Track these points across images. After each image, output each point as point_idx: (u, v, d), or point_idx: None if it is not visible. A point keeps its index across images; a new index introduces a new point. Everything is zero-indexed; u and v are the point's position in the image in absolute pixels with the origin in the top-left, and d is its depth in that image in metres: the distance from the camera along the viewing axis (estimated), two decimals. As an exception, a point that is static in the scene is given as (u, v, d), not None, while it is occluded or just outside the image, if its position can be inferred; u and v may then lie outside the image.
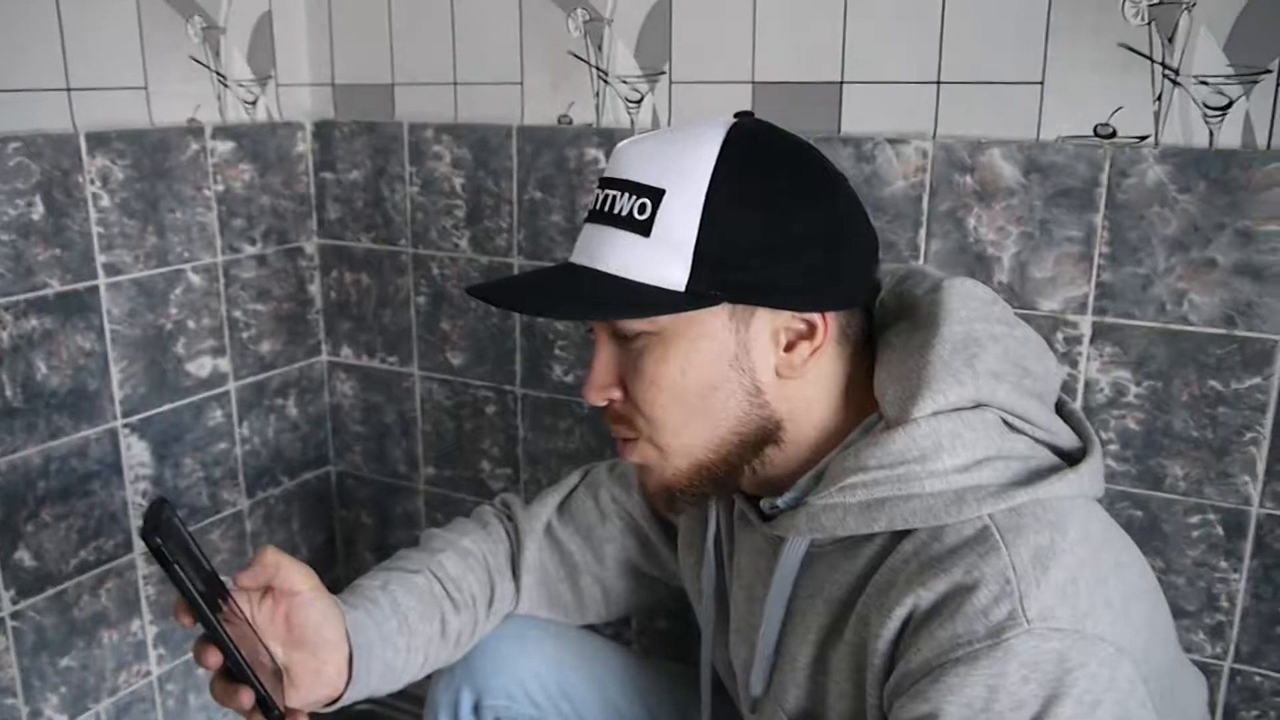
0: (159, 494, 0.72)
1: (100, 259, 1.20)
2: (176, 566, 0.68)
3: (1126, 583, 0.66)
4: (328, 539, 1.64)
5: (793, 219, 0.70)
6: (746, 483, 0.79)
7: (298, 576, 0.79)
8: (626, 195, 0.71)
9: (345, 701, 0.83)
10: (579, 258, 0.74)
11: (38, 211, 1.13)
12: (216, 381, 1.39)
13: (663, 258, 0.69)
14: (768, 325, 0.71)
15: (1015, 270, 1.03)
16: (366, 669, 0.83)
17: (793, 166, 0.72)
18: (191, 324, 1.33)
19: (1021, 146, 1.01)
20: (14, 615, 1.17)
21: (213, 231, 1.34)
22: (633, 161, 0.72)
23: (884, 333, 0.77)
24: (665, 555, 1.00)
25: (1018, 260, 1.03)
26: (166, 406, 1.32)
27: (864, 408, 0.74)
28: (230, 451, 1.43)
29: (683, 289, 0.69)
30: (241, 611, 0.76)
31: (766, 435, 0.74)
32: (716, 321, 0.71)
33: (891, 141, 1.07)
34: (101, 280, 1.21)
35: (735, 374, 0.72)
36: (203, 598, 0.69)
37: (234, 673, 0.71)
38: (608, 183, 0.74)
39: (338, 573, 1.66)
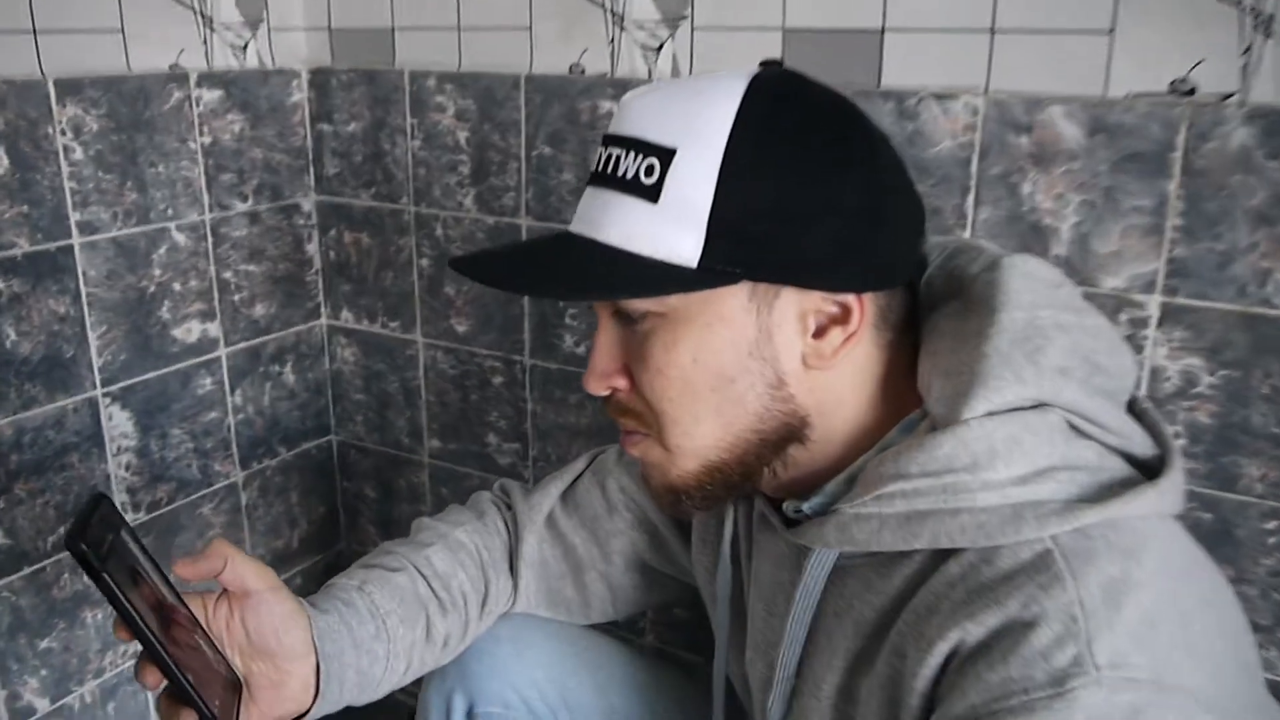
0: (96, 490, 0.64)
1: (74, 216, 1.11)
2: (107, 577, 0.60)
3: (1213, 622, 0.57)
4: (329, 511, 1.56)
5: (824, 184, 0.60)
6: (767, 484, 0.69)
7: (251, 574, 0.71)
8: (632, 155, 0.62)
9: (314, 716, 0.75)
10: (578, 226, 0.65)
11: (1, 165, 1.04)
12: (206, 347, 1.30)
13: (672, 228, 0.60)
14: (794, 307, 0.62)
15: (1075, 243, 0.92)
16: (338, 681, 0.75)
17: (825, 124, 0.62)
18: (177, 286, 1.25)
19: (1086, 104, 0.89)
20: (-14, 596, 1.10)
21: (199, 187, 1.25)
22: (640, 116, 0.62)
23: (931, 316, 0.67)
24: (678, 551, 0.91)
25: (1078, 232, 0.92)
26: (151, 374, 1.23)
27: (904, 403, 0.65)
28: (222, 421, 1.35)
29: (694, 264, 0.60)
30: (193, 617, 0.68)
31: (790, 433, 0.65)
32: (734, 302, 0.61)
33: (938, 97, 0.96)
34: (76, 239, 1.12)
35: (755, 363, 0.63)
36: (143, 608, 0.61)
37: (177, 693, 0.63)
38: (611, 140, 0.64)
39: (341, 547, 1.59)
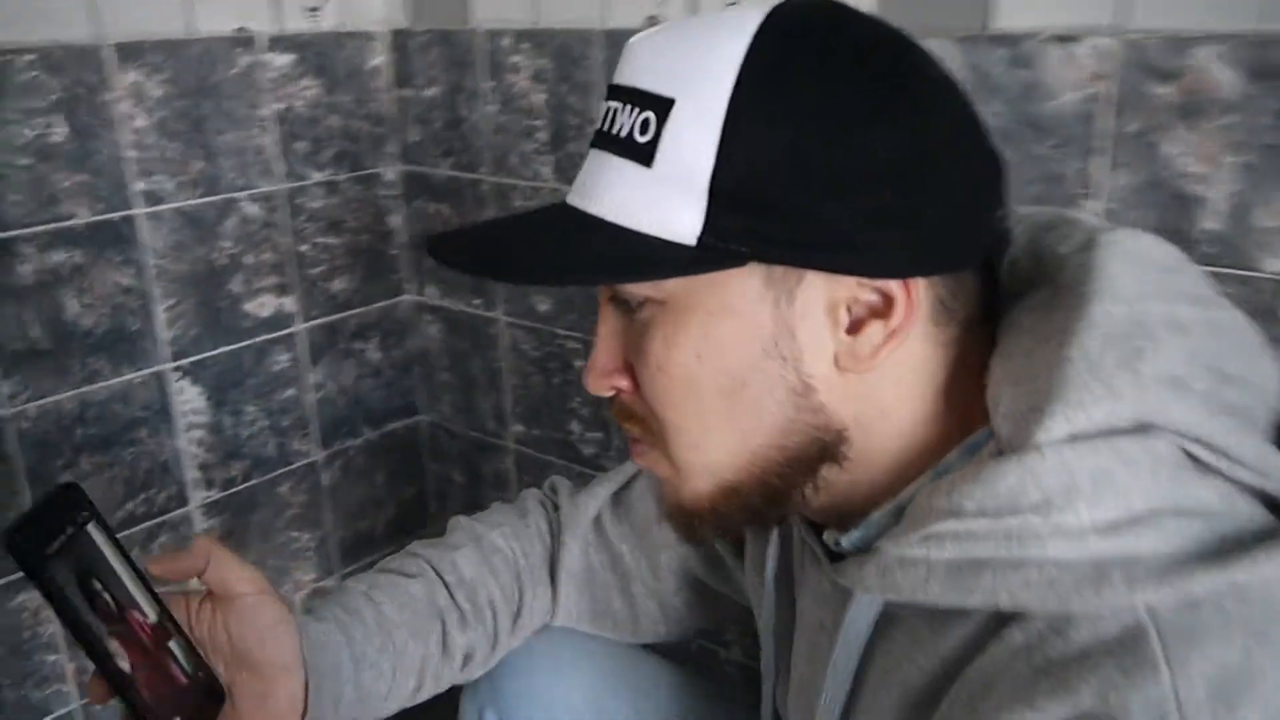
0: (68, 478, 0.59)
1: (136, 186, 1.09)
2: (48, 578, 0.54)
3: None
4: (418, 495, 1.52)
5: (858, 139, 0.47)
6: (805, 507, 0.57)
7: (235, 577, 0.64)
8: (628, 109, 0.51)
9: None
10: (573, 196, 0.54)
11: (59, 133, 1.01)
12: (281, 322, 1.26)
13: (669, 197, 0.48)
14: (821, 296, 0.49)
15: (1230, 215, 0.75)
16: (332, 697, 0.68)
17: (860, 63, 0.49)
18: (250, 259, 1.21)
19: (1247, 42, 0.71)
20: (52, 569, 1.09)
21: (272, 156, 1.20)
22: (640, 60, 0.51)
23: (1012, 308, 0.53)
24: (733, 568, 0.79)
25: (1234, 201, 0.74)
26: (222, 349, 1.20)
27: (973, 417, 0.51)
28: (300, 399, 1.31)
29: (693, 241, 0.48)
30: (173, 621, 0.62)
31: (822, 450, 0.53)
32: (745, 289, 0.50)
33: (1060, 39, 0.79)
34: (139, 210, 1.09)
35: (773, 364, 0.51)
36: (91, 614, 0.55)
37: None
38: (612, 91, 0.53)
39: (428, 531, 1.55)
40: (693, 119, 0.48)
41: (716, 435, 0.53)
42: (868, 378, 0.51)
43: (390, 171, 1.34)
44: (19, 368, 1.03)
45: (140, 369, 1.13)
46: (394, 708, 0.74)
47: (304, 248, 1.27)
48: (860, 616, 0.55)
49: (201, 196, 1.14)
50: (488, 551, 0.80)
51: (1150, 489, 0.45)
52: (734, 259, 0.48)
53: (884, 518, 0.53)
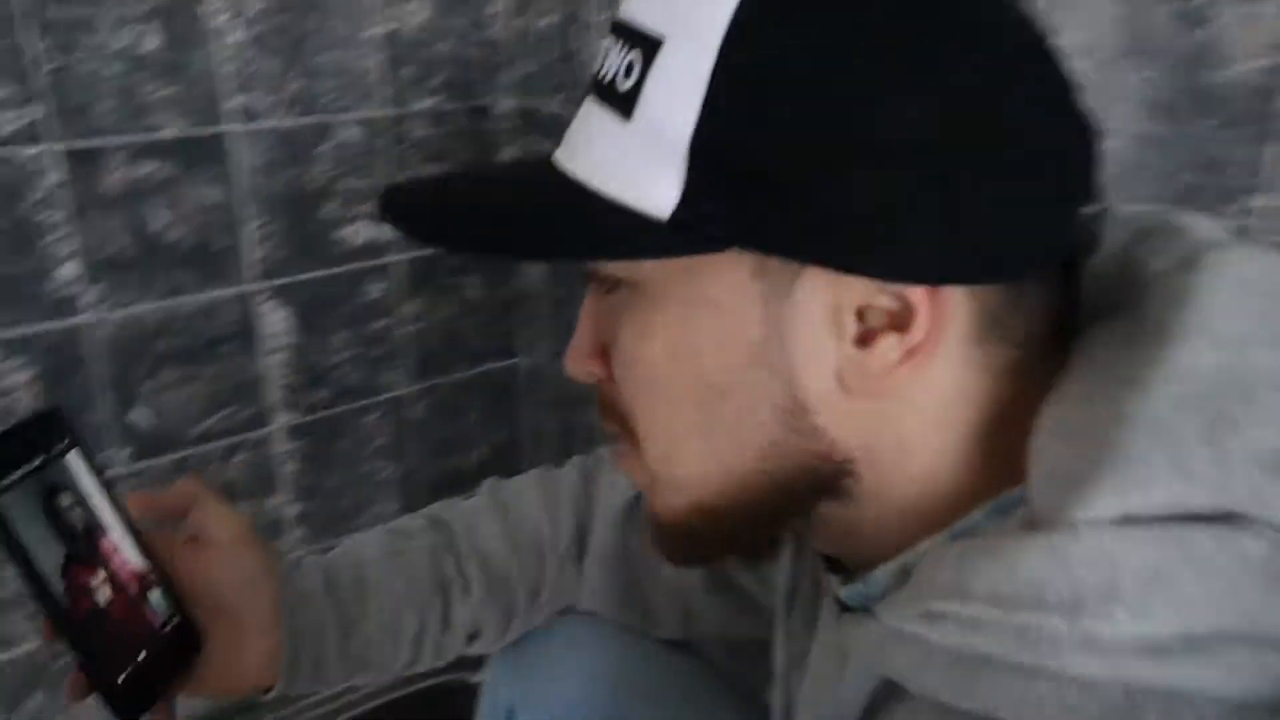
0: (50, 404, 0.57)
1: (230, 102, 1.06)
2: None
3: None
4: (511, 439, 1.48)
5: (884, 99, 0.37)
6: (812, 538, 0.48)
7: (215, 523, 0.61)
8: (620, 47, 0.42)
9: (282, 693, 0.64)
10: (560, 149, 0.46)
11: (153, 42, 0.99)
12: (376, 251, 1.23)
13: (645, 158, 0.39)
14: (823, 296, 0.39)
15: None
16: (311, 661, 0.64)
17: None
18: (346, 184, 1.18)
19: None
20: (133, 474, 1.11)
21: (375, 80, 1.16)
22: None
23: (1088, 332, 0.42)
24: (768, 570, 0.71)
25: None
26: (313, 274, 1.18)
27: (1016, 466, 0.40)
28: (392, 330, 1.28)
29: (666, 215, 0.39)
30: (150, 562, 0.59)
31: (818, 482, 0.43)
32: (729, 279, 0.40)
33: (1239, -9, 0.64)
34: (230, 126, 1.07)
35: (759, 375, 0.41)
36: (43, 549, 0.53)
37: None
38: (612, 27, 0.44)
39: (518, 474, 1.51)
40: (678, 64, 0.38)
41: (689, 449, 0.44)
42: (882, 403, 0.41)
43: (502, 104, 1.28)
44: (104, 276, 1.03)
45: (226, 287, 1.12)
46: (389, 675, 0.69)
47: (405, 177, 1.23)
48: (858, 683, 0.46)
49: (298, 117, 1.11)
50: (513, 522, 0.73)
51: (1224, 602, 0.33)
52: (711, 243, 0.39)
53: (888, 576, 0.43)
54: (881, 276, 0.38)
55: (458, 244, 0.44)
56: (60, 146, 0.97)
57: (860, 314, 0.39)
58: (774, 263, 0.39)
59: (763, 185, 0.37)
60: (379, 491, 1.34)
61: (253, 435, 1.19)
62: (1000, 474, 0.41)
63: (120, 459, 1.09)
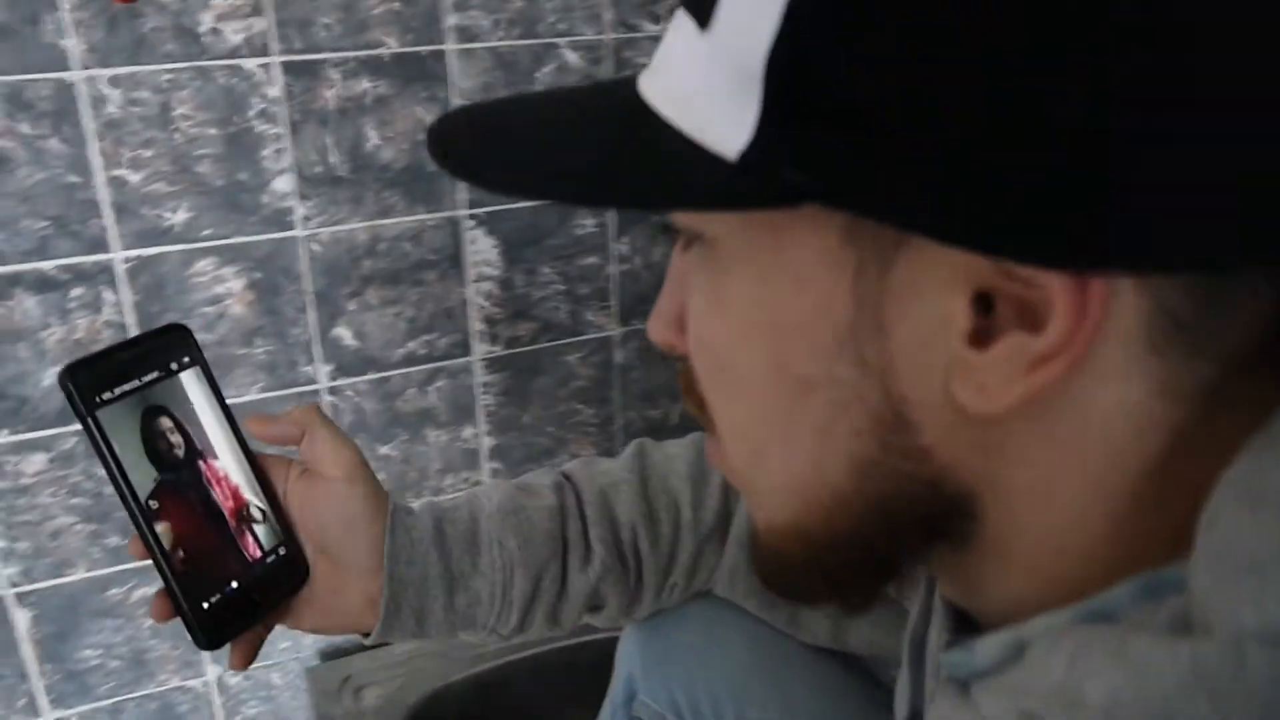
0: (175, 321, 0.55)
1: (450, 20, 1.03)
2: (91, 422, 0.51)
3: None
4: (719, 391, 1.40)
5: (1023, 9, 0.25)
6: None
7: (328, 457, 0.58)
8: None
9: (378, 641, 0.61)
10: (645, 71, 0.37)
11: (376, -46, 0.97)
12: (590, 185, 1.18)
13: (721, 78, 0.30)
14: (932, 274, 0.29)
15: None
16: (414, 610, 0.60)
17: None
18: (563, 112, 1.12)
19: None
20: (331, 390, 1.13)
21: (601, 2, 1.09)
22: None
23: None
24: None
25: None
26: (523, 204, 1.14)
27: (1189, 528, 0.28)
28: (602, 269, 1.23)
29: (734, 155, 0.29)
30: (265, 488, 0.58)
31: (930, 521, 0.33)
32: (814, 242, 0.31)
33: None
34: (449, 45, 1.04)
35: (851, 370, 0.32)
36: (139, 467, 0.52)
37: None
38: None
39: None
40: None
41: (772, 454, 0.36)
42: (1010, 427, 0.30)
43: (739, 32, 1.18)
44: (316, 191, 1.03)
45: (434, 211, 1.10)
46: (499, 637, 0.64)
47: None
48: None
49: (517, 38, 1.07)
50: (652, 493, 0.66)
51: None
52: (785, 193, 0.29)
53: (996, 649, 0.32)
54: (1006, 253, 0.27)
55: (491, 183, 0.36)
56: (281, 60, 0.97)
57: (980, 302, 0.28)
58: (868, 225, 0.29)
59: (853, 122, 0.27)
60: (576, 434, 1.30)
61: (452, 363, 1.18)
62: (1169, 538, 0.29)
63: (321, 375, 1.11)
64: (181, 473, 0.54)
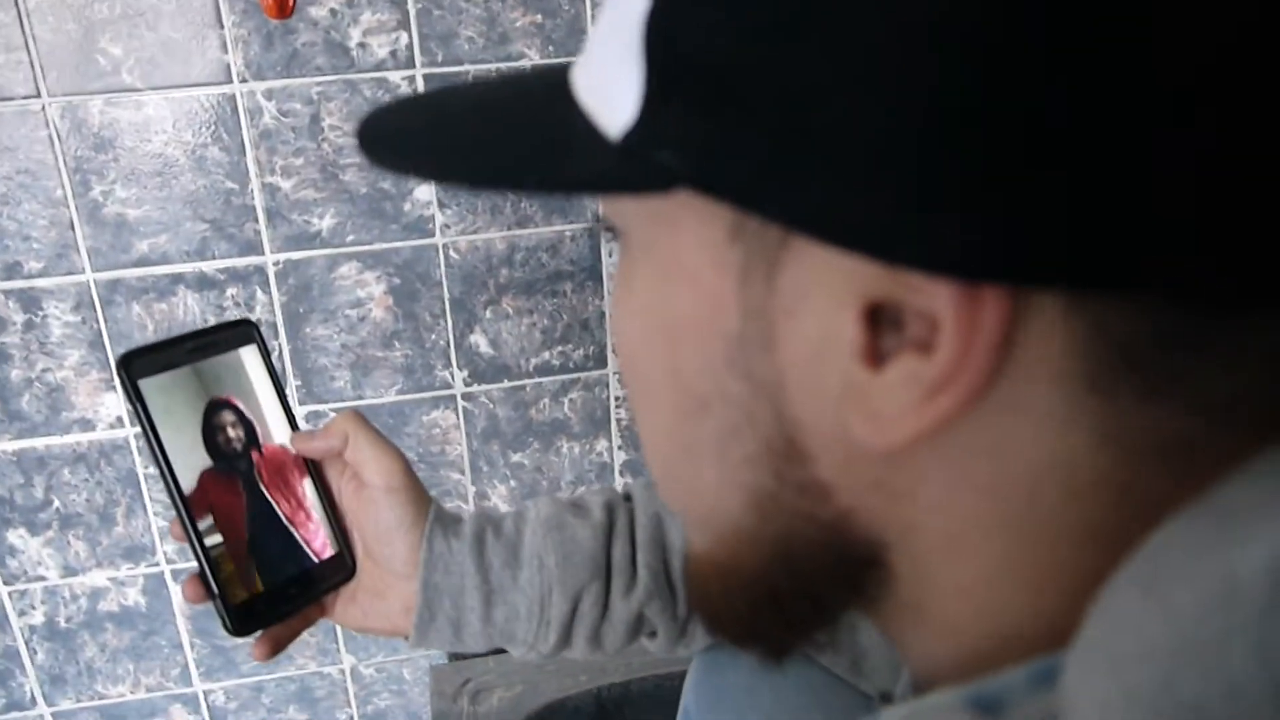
0: (243, 315, 0.57)
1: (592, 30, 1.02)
2: (139, 406, 0.53)
3: None
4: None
5: None
6: None
7: (370, 462, 0.58)
8: None
9: (417, 646, 0.61)
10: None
11: (518, -33, 0.98)
12: (733, 200, 1.15)
13: (613, 53, 0.27)
14: (819, 280, 0.25)
15: None
16: (451, 621, 0.59)
17: None
18: (706, 125, 1.10)
19: None
20: (465, 396, 1.15)
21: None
22: None
23: None
24: None
25: None
26: (662, 218, 1.13)
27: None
28: (744, 286, 1.20)
29: (618, 134, 0.27)
30: (320, 486, 0.59)
31: (838, 572, 0.29)
32: (703, 236, 0.27)
33: None
34: (590, 57, 1.03)
35: (741, 386, 0.28)
36: (185, 455, 0.54)
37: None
38: None
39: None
40: None
41: (679, 473, 0.32)
42: (922, 466, 0.25)
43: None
44: (455, 200, 1.06)
45: (573, 223, 1.10)
46: (541, 654, 0.63)
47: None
48: None
49: (660, 49, 1.05)
50: None
51: None
52: (656, 177, 0.26)
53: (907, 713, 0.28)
54: (887, 254, 0.22)
55: (393, 166, 0.34)
56: (424, 72, 1.00)
57: (876, 315, 0.24)
58: (752, 220, 0.25)
59: (726, 94, 0.24)
60: (713, 453, 1.27)
61: (588, 375, 1.18)
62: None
63: (457, 380, 1.13)
64: (237, 463, 0.56)
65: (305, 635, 1.16)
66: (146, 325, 1.02)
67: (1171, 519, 0.21)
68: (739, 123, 0.23)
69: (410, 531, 0.58)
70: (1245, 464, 0.21)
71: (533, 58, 1.02)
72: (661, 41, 0.25)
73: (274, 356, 0.56)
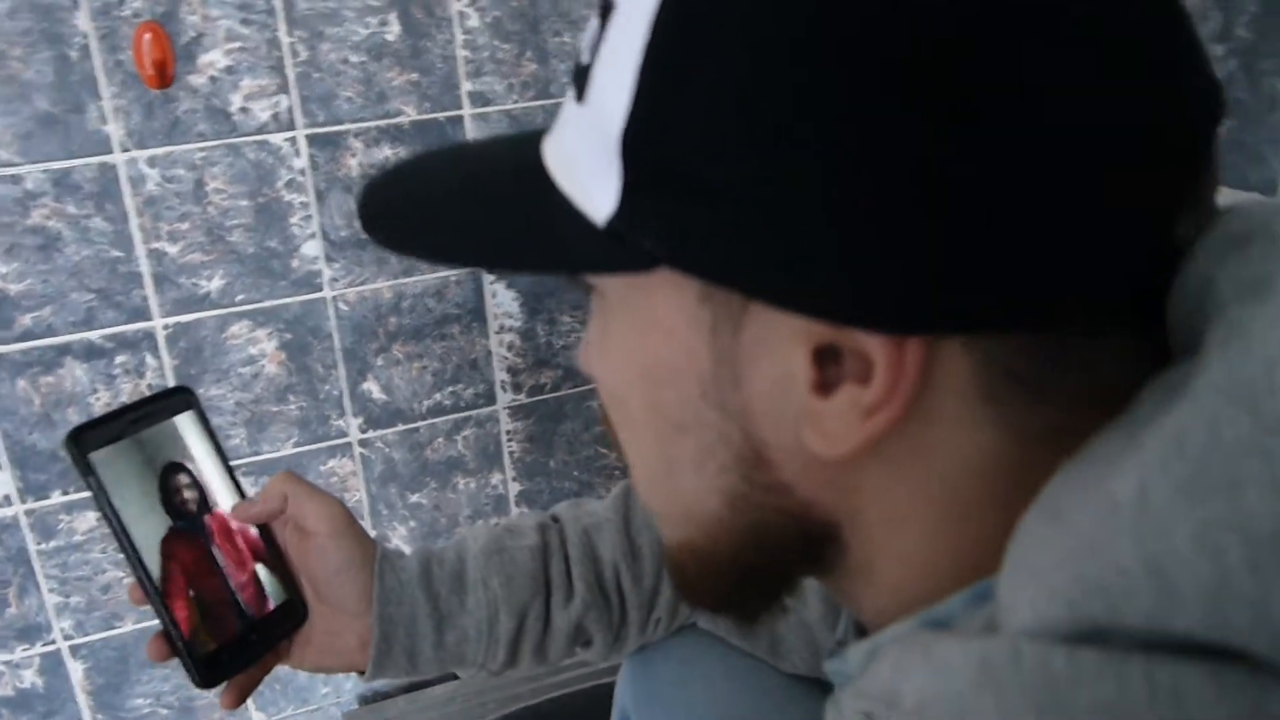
0: (194, 377, 0.60)
1: (465, 87, 1.08)
2: (92, 480, 0.55)
3: None
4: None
5: (842, 97, 0.29)
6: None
7: (312, 514, 0.61)
8: (595, 14, 0.36)
9: (373, 679, 0.65)
10: (549, 134, 0.41)
11: (392, 32, 1.03)
12: (605, 237, 1.22)
13: (592, 150, 0.33)
14: (778, 333, 0.32)
15: None
16: (405, 650, 0.63)
17: None
18: (576, 169, 1.17)
19: None
20: (362, 443, 1.17)
21: (609, 62, 1.14)
22: None
23: (1145, 386, 0.31)
24: None
25: None
26: (541, 258, 1.19)
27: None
28: (620, 316, 1.27)
29: (602, 221, 0.33)
30: (268, 539, 0.63)
31: (799, 548, 0.37)
32: (675, 301, 0.34)
33: None
34: (466, 110, 1.09)
35: (714, 414, 0.35)
36: (140, 520, 0.56)
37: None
38: None
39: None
40: (620, 36, 0.32)
41: (661, 484, 0.39)
42: (860, 465, 0.33)
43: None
44: (342, 254, 1.09)
45: (455, 268, 1.15)
46: (490, 673, 0.68)
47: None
48: None
49: (531, 100, 1.12)
50: (636, 530, 0.69)
51: None
52: (641, 259, 0.32)
53: (860, 656, 0.36)
54: (827, 318, 0.30)
55: (394, 245, 0.40)
56: (305, 133, 1.03)
57: (822, 355, 0.32)
58: (719, 290, 0.32)
59: (692, 195, 0.31)
60: (601, 477, 1.34)
61: (479, 412, 1.23)
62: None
63: (352, 428, 1.16)
64: (190, 522, 0.58)
65: (213, 696, 1.16)
66: (33, 400, 1.01)
67: (1058, 474, 0.30)
68: (705, 217, 0.30)
69: (360, 570, 0.62)
70: (1101, 434, 0.30)
71: (410, 114, 1.07)
72: (636, 151, 0.31)
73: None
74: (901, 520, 0.34)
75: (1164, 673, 0.24)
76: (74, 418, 1.03)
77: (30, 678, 1.10)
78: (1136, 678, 0.24)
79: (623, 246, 0.32)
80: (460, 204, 0.39)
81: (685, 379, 0.35)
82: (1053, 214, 0.28)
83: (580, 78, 0.34)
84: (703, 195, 0.30)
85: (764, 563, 0.37)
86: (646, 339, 0.35)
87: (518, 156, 0.39)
